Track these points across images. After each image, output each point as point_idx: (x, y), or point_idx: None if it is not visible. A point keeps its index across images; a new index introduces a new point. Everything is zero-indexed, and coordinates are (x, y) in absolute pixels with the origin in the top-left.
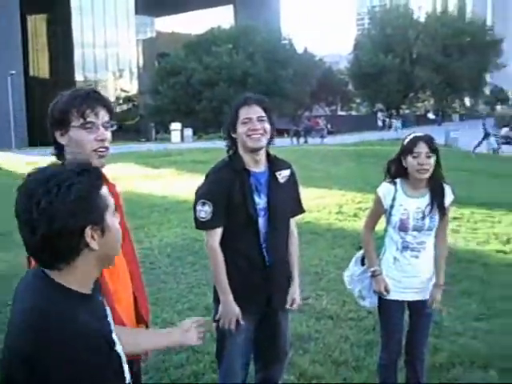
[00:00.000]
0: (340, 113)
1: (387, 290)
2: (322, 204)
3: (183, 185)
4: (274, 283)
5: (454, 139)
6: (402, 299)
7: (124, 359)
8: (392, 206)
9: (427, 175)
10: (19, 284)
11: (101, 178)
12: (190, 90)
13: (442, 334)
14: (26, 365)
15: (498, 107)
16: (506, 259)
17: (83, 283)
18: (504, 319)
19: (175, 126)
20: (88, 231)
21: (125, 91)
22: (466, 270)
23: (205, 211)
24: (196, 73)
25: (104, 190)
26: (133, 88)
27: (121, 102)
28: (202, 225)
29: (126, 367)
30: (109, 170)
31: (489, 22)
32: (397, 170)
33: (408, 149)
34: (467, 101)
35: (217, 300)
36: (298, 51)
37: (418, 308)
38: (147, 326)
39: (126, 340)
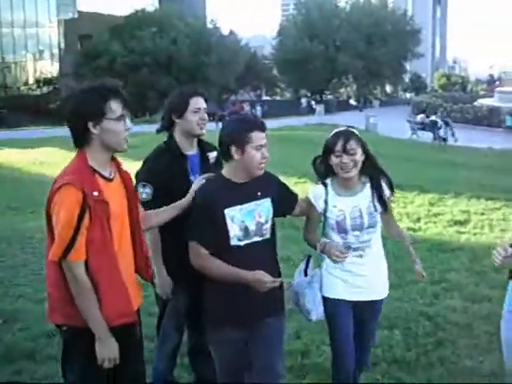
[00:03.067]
0: (265, 97)
1: (343, 252)
2: None
3: None
4: None
5: (373, 125)
6: (348, 299)
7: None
8: (326, 210)
9: (352, 173)
10: None
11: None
12: (113, 74)
13: None
14: None
15: (408, 95)
16: (416, 236)
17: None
18: (405, 288)
19: None
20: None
21: (45, 73)
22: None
23: (146, 193)
24: (119, 56)
25: None
26: (54, 70)
27: (41, 84)
28: (143, 205)
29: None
30: (33, 155)
31: (409, 13)
32: (325, 169)
33: (329, 147)
34: (388, 88)
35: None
36: (223, 34)
37: (365, 309)
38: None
39: None
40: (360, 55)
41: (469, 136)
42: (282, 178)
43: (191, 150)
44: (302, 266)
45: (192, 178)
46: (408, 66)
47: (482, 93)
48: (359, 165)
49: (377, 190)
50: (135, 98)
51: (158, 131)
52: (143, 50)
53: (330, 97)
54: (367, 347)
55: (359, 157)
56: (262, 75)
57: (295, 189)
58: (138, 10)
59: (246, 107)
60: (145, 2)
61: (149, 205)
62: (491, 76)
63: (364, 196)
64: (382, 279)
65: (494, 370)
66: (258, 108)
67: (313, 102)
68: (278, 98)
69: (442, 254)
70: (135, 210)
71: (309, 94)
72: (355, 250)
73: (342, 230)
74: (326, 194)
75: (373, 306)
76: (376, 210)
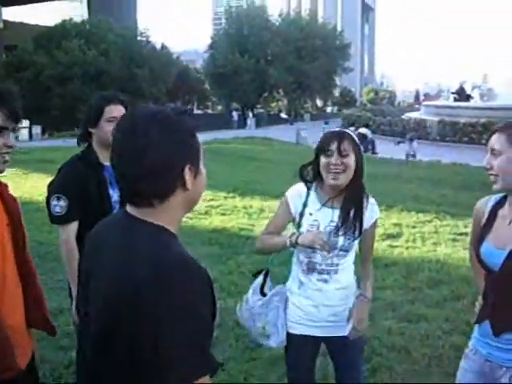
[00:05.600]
0: (196, 111)
1: (327, 243)
2: None
3: (28, 185)
4: None
5: (304, 138)
6: (312, 334)
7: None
8: (301, 215)
9: (341, 180)
10: (102, 225)
11: (197, 122)
12: (40, 86)
13: None
14: (133, 302)
15: (329, 108)
16: None
17: (172, 223)
18: None
19: (22, 123)
20: (187, 169)
21: None
22: None
23: (60, 206)
24: (46, 68)
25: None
26: None
27: None
28: (57, 220)
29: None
30: None
31: (338, 28)
32: (313, 173)
33: (321, 147)
34: (318, 102)
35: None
36: (155, 46)
37: (338, 345)
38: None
39: None
40: (290, 69)
41: (398, 148)
42: (211, 193)
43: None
44: (258, 281)
45: (111, 191)
46: (338, 81)
47: (416, 106)
48: (350, 172)
49: (357, 209)
50: (62, 110)
51: (78, 143)
52: (71, 61)
53: (261, 110)
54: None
55: (352, 162)
56: (193, 88)
57: (225, 203)
58: (65, 20)
59: None
60: (73, 12)
61: (63, 220)
62: (417, 91)
63: (341, 212)
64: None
65: None
66: None
67: (250, 115)
68: (209, 111)
69: (376, 270)
70: (22, 246)
71: (239, 108)
72: (320, 272)
73: None
74: (307, 196)
75: (346, 343)
76: (355, 233)
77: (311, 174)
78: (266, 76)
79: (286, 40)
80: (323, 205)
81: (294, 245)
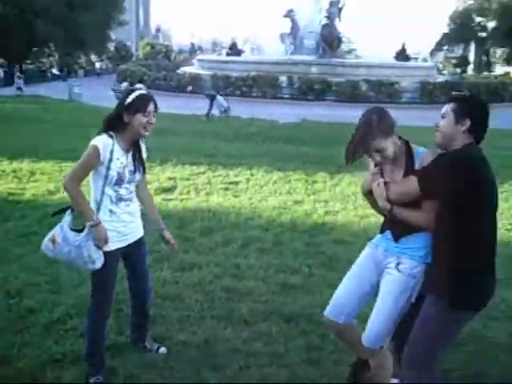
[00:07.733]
0: None
1: (107, 239)
2: None
3: None
4: None
5: (77, 94)
6: (120, 246)
7: None
8: (110, 160)
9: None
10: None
11: None
12: None
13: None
14: None
15: (98, 64)
16: None
17: None
18: None
19: None
20: None
21: None
22: None
23: None
24: None
25: None
26: None
27: None
28: None
29: None
30: None
31: None
32: (117, 125)
33: (138, 107)
34: (93, 57)
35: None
36: None
37: (134, 247)
38: None
39: None
40: (61, 22)
41: (173, 103)
42: None
43: None
44: (66, 220)
45: None
46: (113, 35)
47: (192, 60)
48: None
49: (139, 150)
50: None
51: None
52: None
53: (30, 66)
54: (145, 277)
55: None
56: None
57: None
58: None
59: None
60: None
61: None
62: (192, 45)
63: (135, 153)
64: (140, 219)
65: (208, 338)
66: None
67: (18, 71)
68: None
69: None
70: None
71: (5, 64)
72: (125, 200)
73: (119, 181)
74: (113, 145)
75: (139, 242)
76: (144, 167)
77: (114, 126)
78: (35, 29)
79: None
80: (125, 150)
81: (93, 225)
